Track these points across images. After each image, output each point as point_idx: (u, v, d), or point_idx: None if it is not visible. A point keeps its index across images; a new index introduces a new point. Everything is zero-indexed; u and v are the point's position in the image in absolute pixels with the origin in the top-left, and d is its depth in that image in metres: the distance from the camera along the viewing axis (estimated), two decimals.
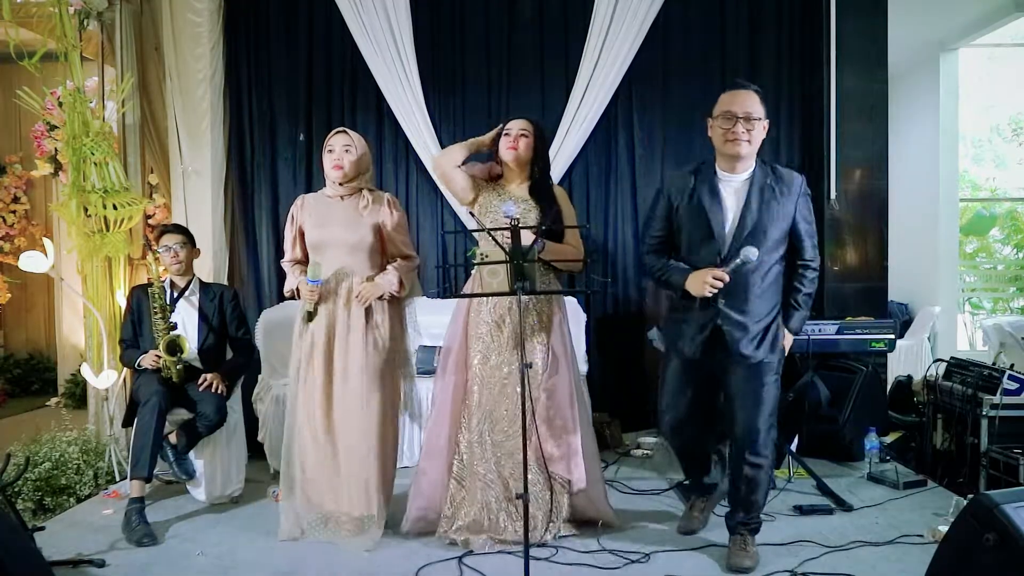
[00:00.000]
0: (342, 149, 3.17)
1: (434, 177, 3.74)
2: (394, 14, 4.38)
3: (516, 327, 3.02)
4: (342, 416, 3.13)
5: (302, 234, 3.26)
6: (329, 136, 3.23)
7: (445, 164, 3.21)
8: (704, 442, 3.12)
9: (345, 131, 3.23)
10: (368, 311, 3.16)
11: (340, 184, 3.21)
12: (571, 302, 4.31)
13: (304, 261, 3.27)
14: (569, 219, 3.23)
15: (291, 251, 3.31)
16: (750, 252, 2.63)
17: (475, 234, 3.29)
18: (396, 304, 3.28)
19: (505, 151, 3.17)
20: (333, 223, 3.19)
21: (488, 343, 3.11)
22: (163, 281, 3.67)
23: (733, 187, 2.77)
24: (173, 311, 3.61)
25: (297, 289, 3.20)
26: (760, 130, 2.74)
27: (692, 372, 2.92)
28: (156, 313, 3.53)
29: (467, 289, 3.22)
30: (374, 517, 3.12)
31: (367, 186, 3.26)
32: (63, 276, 4.76)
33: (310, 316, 3.16)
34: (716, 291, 2.68)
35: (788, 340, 2.91)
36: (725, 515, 2.98)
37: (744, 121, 2.69)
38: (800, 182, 2.81)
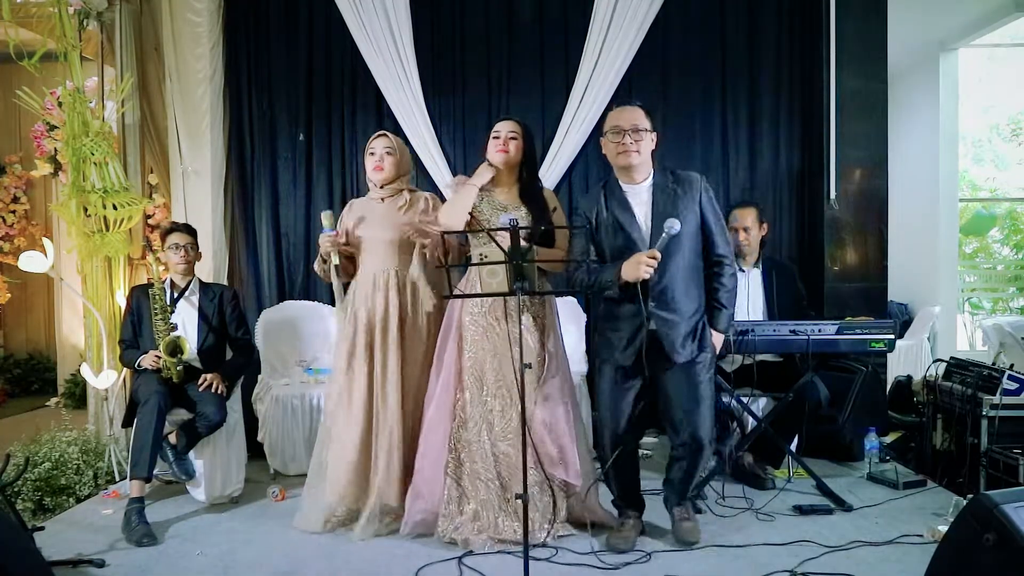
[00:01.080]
0: (383, 151, 3.32)
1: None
2: (394, 14, 4.38)
3: (511, 327, 3.03)
4: (383, 409, 3.22)
5: (347, 235, 3.38)
6: (371, 139, 3.38)
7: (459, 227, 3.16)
8: (636, 455, 3.18)
9: (386, 134, 3.38)
10: (411, 307, 3.28)
11: (381, 186, 3.34)
12: (571, 302, 4.32)
13: (351, 257, 3.40)
14: (558, 222, 3.24)
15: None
16: (672, 224, 2.76)
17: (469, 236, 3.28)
18: (439, 302, 3.36)
19: (495, 154, 3.16)
20: (373, 223, 3.33)
21: (482, 344, 3.11)
22: (163, 281, 3.68)
23: (639, 195, 2.93)
24: (173, 311, 3.62)
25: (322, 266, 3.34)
26: (648, 141, 2.91)
27: (627, 382, 2.96)
28: (157, 314, 3.54)
29: (459, 289, 3.22)
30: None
31: (407, 187, 3.39)
32: (63, 276, 4.76)
33: (337, 269, 3.31)
34: (651, 272, 2.77)
35: (717, 339, 3.01)
36: (664, 497, 3.12)
37: (632, 133, 2.86)
38: (699, 180, 2.95)
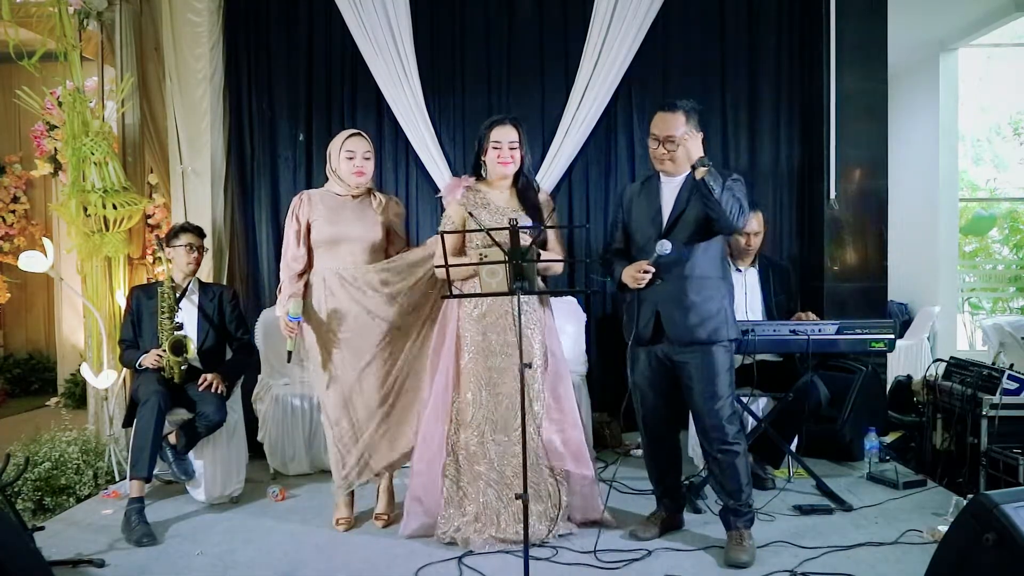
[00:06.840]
0: (363, 156, 3.28)
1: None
2: (394, 14, 4.37)
3: (510, 327, 3.03)
4: (394, 380, 3.29)
5: (308, 230, 3.31)
6: (345, 137, 3.30)
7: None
8: (675, 442, 3.20)
9: (362, 135, 3.32)
10: (404, 290, 3.31)
11: (355, 186, 3.31)
12: (571, 302, 4.32)
13: (309, 259, 3.32)
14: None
15: (296, 248, 3.31)
16: (662, 245, 2.84)
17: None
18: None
19: (497, 166, 3.14)
20: (348, 221, 3.28)
21: (481, 344, 3.11)
22: (171, 280, 3.68)
23: (672, 187, 3.01)
24: (179, 310, 3.62)
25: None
26: (687, 145, 2.89)
27: (654, 364, 3.02)
28: (164, 312, 3.54)
29: (457, 288, 3.20)
30: None
31: (371, 186, 3.38)
32: (63, 276, 4.76)
33: (289, 356, 3.28)
34: (644, 283, 2.90)
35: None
36: (719, 512, 3.02)
37: (667, 142, 2.92)
38: (729, 174, 2.93)
